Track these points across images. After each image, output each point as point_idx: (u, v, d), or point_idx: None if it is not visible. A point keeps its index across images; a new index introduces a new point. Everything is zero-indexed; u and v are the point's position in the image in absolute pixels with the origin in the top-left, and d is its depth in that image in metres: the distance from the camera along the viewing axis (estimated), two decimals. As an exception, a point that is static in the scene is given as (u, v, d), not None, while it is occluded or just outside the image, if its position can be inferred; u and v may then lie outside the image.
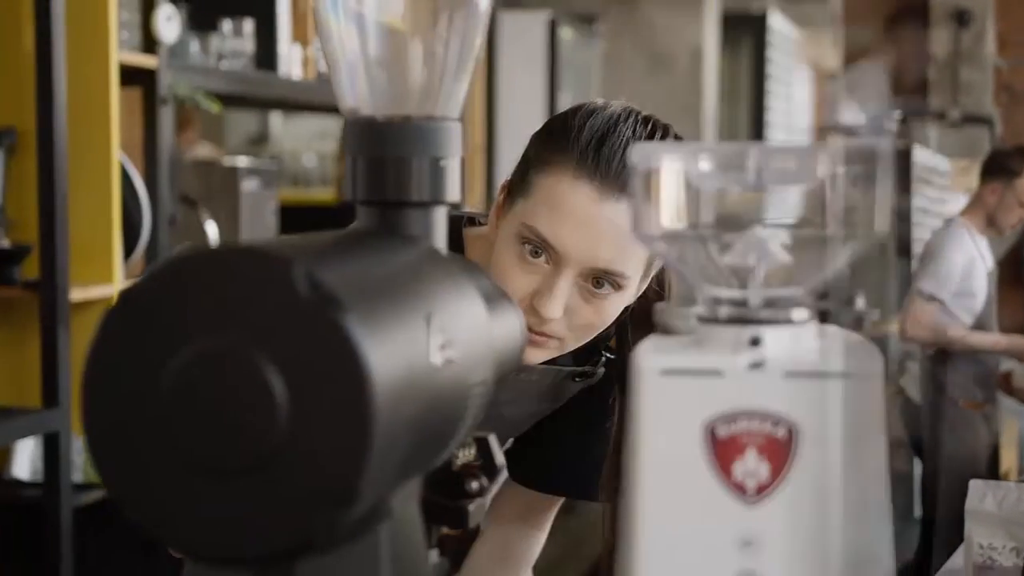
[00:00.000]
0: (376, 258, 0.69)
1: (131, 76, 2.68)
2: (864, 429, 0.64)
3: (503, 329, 0.80)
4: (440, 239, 0.77)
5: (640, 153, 0.67)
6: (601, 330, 1.28)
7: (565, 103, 6.49)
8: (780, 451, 0.64)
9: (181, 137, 3.68)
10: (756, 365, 0.65)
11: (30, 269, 2.46)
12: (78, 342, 2.42)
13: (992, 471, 4.28)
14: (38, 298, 2.40)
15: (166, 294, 0.60)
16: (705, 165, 0.67)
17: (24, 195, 2.49)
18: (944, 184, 7.44)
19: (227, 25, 3.04)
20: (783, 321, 0.66)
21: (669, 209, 0.68)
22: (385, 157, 0.76)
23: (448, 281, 0.72)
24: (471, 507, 0.77)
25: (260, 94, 3.35)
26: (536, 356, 1.27)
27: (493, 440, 0.82)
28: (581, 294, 1.24)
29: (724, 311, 0.67)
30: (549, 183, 1.23)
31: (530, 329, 1.23)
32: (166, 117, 2.73)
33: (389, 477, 0.62)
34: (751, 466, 0.65)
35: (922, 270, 4.22)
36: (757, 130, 7.58)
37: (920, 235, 7.09)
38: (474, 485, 0.78)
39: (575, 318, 1.24)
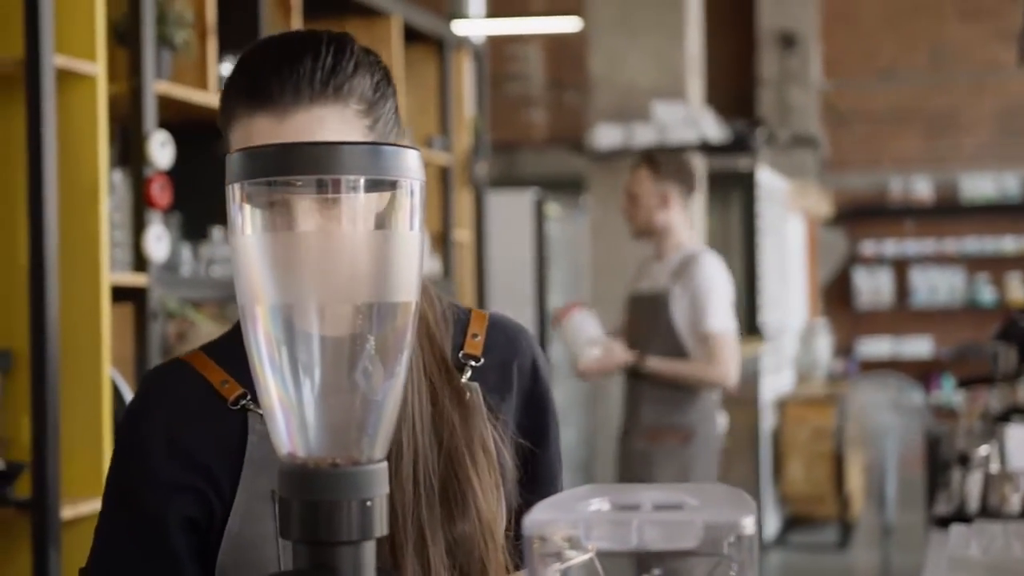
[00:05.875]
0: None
1: (123, 293, 2.79)
2: None
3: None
4: (368, 571, 0.85)
5: (531, 521, 0.75)
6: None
7: (555, 277, 6.64)
8: None
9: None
10: None
11: (22, 487, 2.53)
12: (69, 561, 2.47)
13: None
14: (29, 517, 2.46)
15: None
16: (593, 531, 0.74)
17: (18, 414, 2.58)
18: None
19: (217, 233, 3.17)
20: None
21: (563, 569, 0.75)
22: (317, 502, 0.84)
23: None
24: None
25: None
26: None
27: None
28: None
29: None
30: (238, 136, 1.17)
31: None
32: (155, 332, 2.83)
33: None
34: None
35: (701, 308, 3.91)
36: (750, 280, 7.66)
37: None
38: None
39: None
